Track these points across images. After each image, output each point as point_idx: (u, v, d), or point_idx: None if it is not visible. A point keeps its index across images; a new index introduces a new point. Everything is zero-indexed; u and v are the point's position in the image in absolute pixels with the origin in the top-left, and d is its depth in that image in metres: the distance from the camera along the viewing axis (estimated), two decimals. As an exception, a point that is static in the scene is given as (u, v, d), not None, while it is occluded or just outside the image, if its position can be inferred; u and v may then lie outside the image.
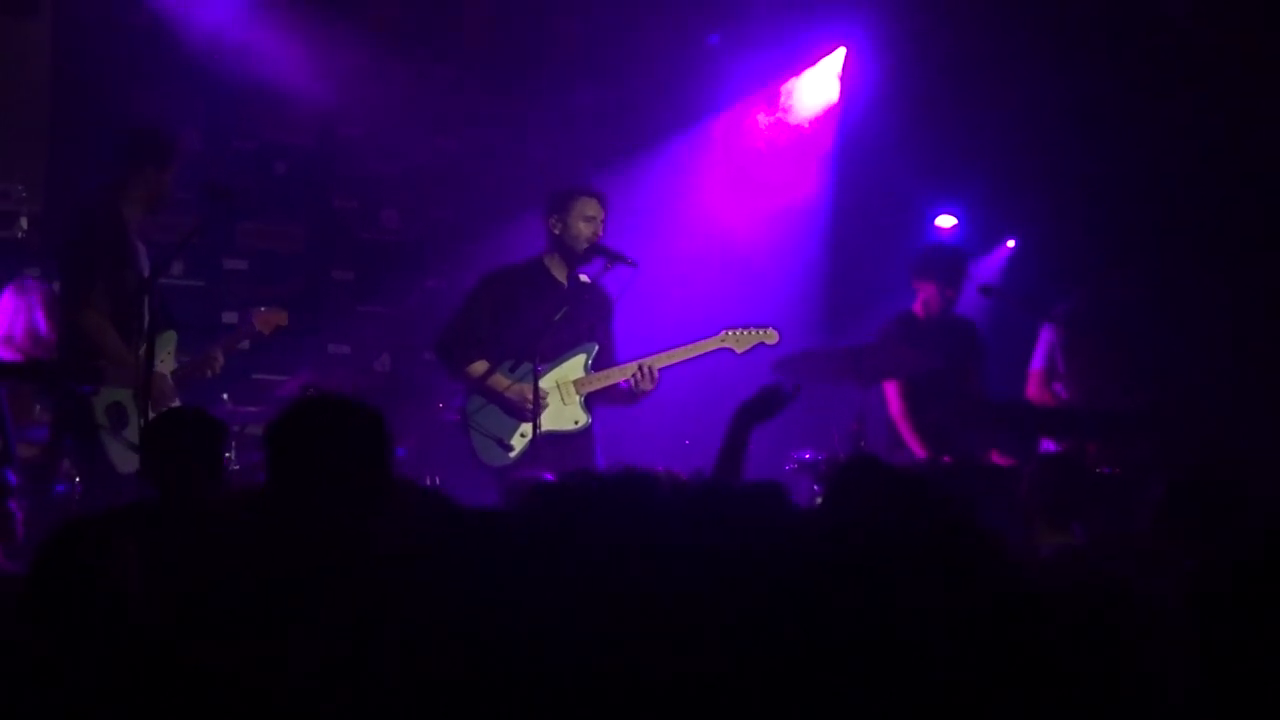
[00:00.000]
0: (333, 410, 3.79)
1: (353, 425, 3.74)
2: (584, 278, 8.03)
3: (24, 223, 9.33)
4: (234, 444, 8.35)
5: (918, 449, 8.58)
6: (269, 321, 8.06)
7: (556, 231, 7.95)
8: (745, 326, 8.09)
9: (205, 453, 5.26)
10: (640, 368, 7.85)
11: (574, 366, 7.93)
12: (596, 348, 8.00)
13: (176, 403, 7.31)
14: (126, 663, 3.29)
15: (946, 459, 8.32)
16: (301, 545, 3.66)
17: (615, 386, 7.95)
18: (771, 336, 8.09)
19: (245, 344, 8.11)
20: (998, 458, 8.57)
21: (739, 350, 8.06)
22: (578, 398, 7.90)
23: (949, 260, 9.14)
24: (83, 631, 3.46)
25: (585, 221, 7.89)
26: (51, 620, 3.50)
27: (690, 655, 1.29)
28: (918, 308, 8.98)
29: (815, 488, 7.97)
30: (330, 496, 3.63)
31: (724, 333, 8.07)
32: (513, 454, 7.74)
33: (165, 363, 7.36)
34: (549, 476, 6.23)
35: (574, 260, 7.96)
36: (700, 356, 8.06)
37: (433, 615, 1.38)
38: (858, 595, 1.38)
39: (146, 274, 7.33)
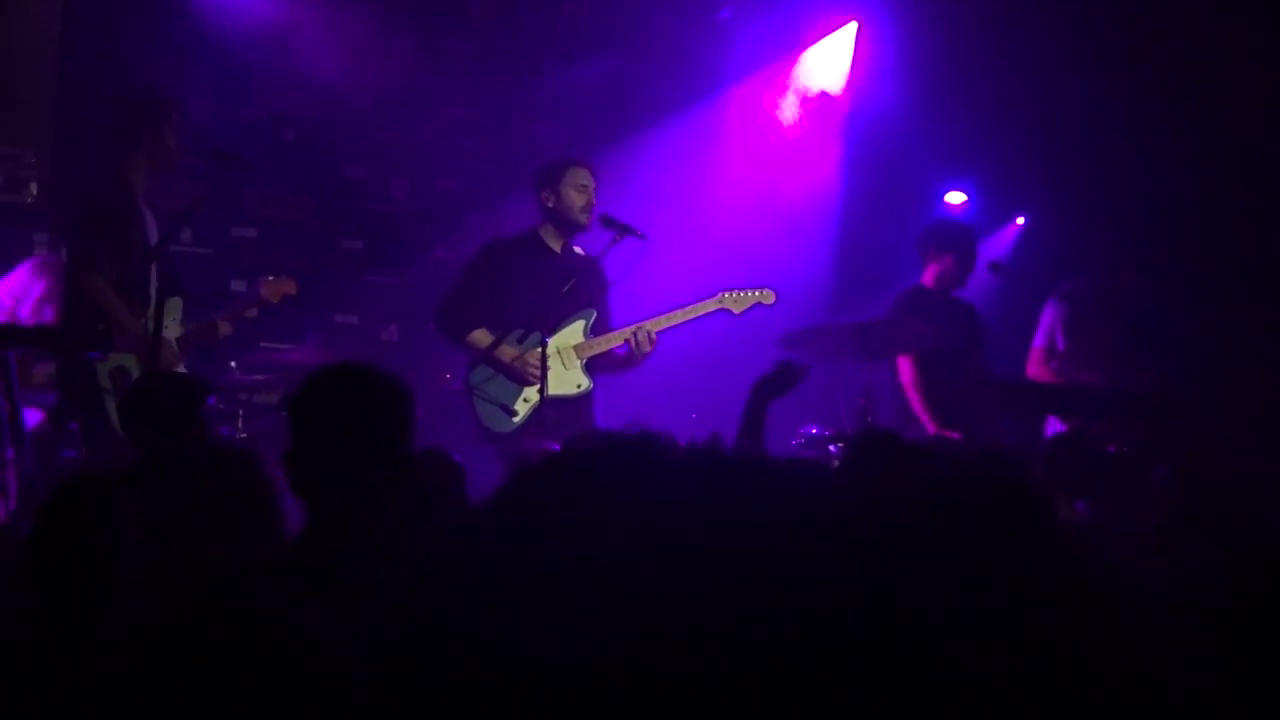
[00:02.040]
0: (359, 379, 3.80)
1: (379, 395, 3.75)
2: (577, 249, 8.06)
3: (33, 188, 9.33)
4: (241, 412, 8.37)
5: (929, 424, 8.56)
6: (277, 290, 8.05)
7: (550, 204, 8.01)
8: (742, 289, 8.09)
9: (180, 414, 5.26)
10: (637, 331, 7.86)
11: (574, 332, 7.98)
12: (595, 313, 8.05)
13: (181, 368, 7.33)
14: (126, 623, 3.30)
15: (956, 435, 8.30)
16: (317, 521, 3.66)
17: (612, 352, 7.98)
18: (768, 296, 8.09)
19: (253, 312, 8.11)
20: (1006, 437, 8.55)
21: (737, 311, 8.07)
22: (579, 362, 7.96)
23: (965, 232, 9.13)
24: (86, 590, 3.47)
25: (577, 191, 7.95)
26: (55, 579, 3.50)
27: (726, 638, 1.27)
28: (928, 282, 8.95)
29: (835, 453, 7.97)
30: (351, 464, 3.63)
31: (721, 295, 8.08)
32: (516, 418, 7.78)
33: (170, 329, 7.37)
34: (555, 447, 6.24)
35: (569, 230, 8.02)
36: (699, 319, 8.06)
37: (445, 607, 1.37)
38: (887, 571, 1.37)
39: (154, 240, 7.36)
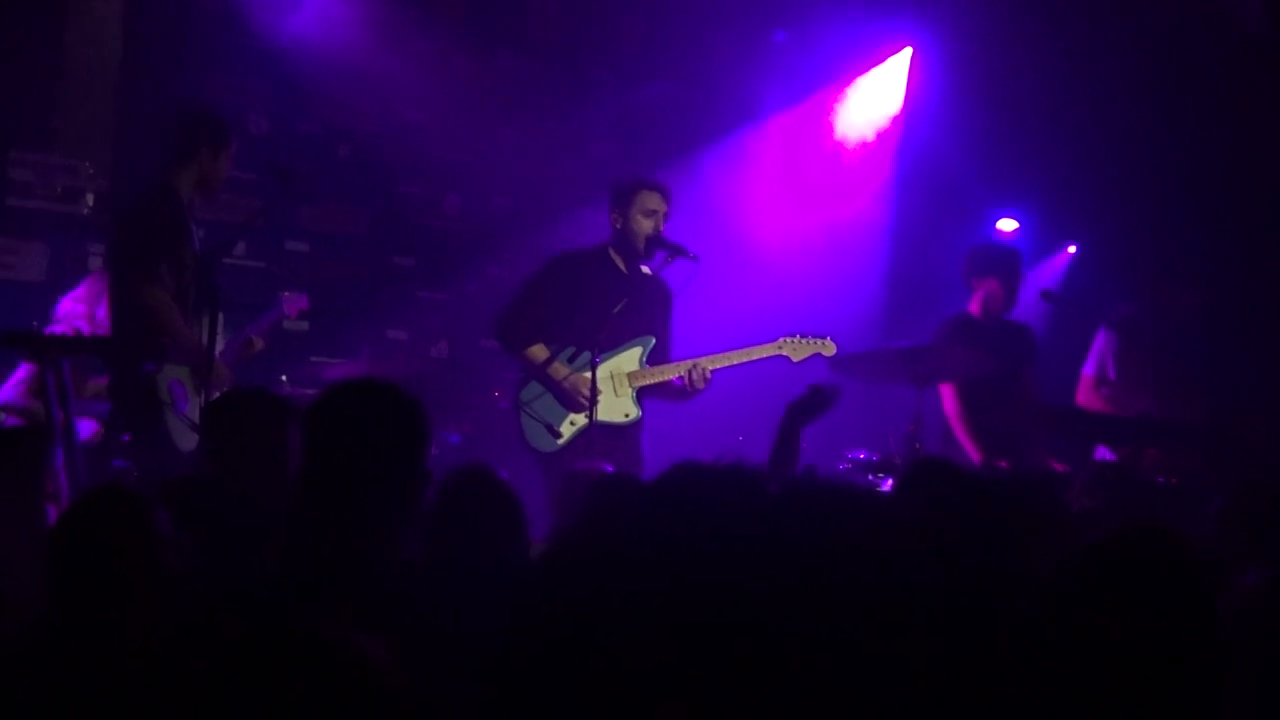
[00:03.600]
0: (371, 395, 3.79)
1: (389, 411, 3.75)
2: (645, 269, 8.01)
3: (90, 199, 9.41)
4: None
5: (974, 452, 8.53)
6: (292, 305, 8.25)
7: (618, 225, 7.93)
8: (803, 335, 8.04)
9: (268, 433, 5.26)
10: (693, 369, 7.82)
11: (629, 358, 7.92)
12: (654, 341, 7.98)
13: (228, 381, 7.36)
14: (152, 633, 3.32)
15: (1002, 463, 8.27)
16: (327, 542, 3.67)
17: (668, 382, 7.92)
18: (829, 348, 8.04)
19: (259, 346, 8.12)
20: (1056, 464, 8.51)
21: (795, 359, 8.02)
22: (630, 390, 7.89)
23: (1010, 255, 9.08)
24: (99, 599, 3.48)
25: (646, 216, 7.85)
26: (69, 587, 3.52)
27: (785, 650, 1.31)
28: (975, 309, 8.93)
29: (875, 481, 7.96)
30: (362, 484, 3.63)
31: (781, 340, 8.03)
32: (560, 441, 7.74)
33: (215, 343, 7.40)
34: (608, 468, 6.23)
35: (634, 254, 7.94)
36: (756, 362, 8.03)
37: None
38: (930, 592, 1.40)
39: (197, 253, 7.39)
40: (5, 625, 3.79)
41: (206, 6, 9.79)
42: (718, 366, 7.87)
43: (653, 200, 7.88)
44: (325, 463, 3.68)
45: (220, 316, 7.50)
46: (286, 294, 8.29)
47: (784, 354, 8.01)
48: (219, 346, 7.44)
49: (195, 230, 7.51)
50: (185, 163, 7.52)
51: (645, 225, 7.85)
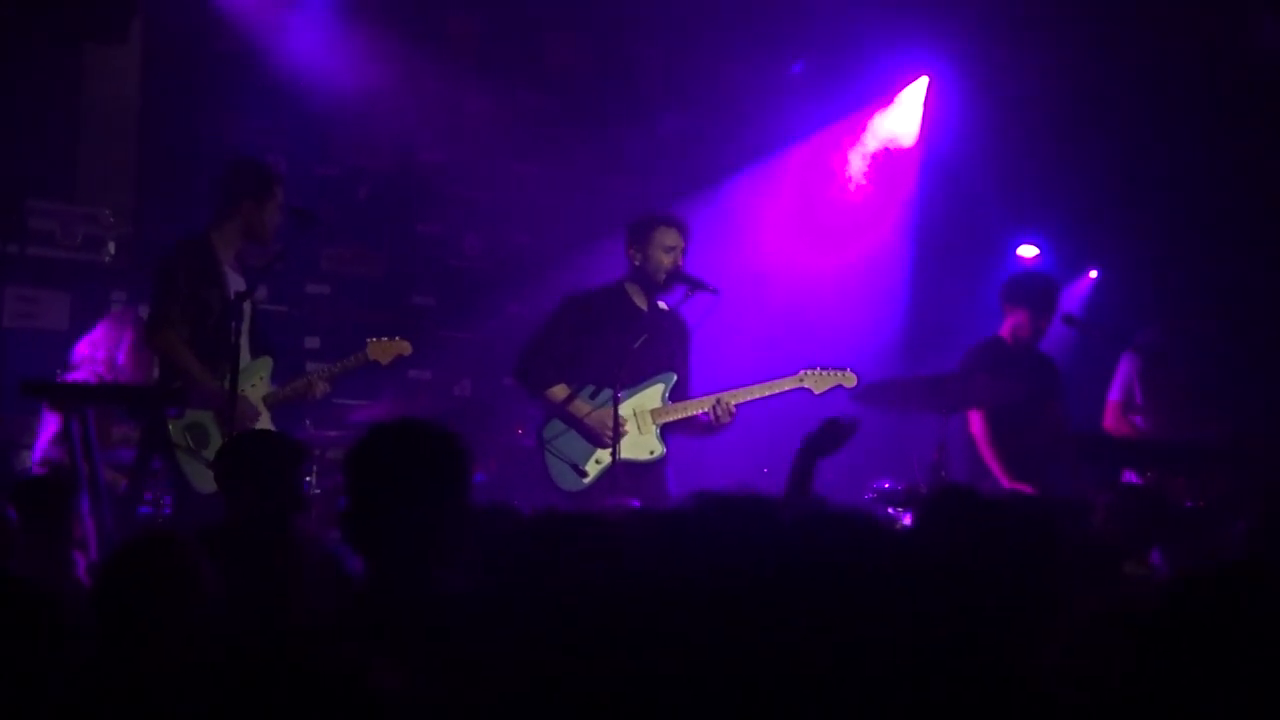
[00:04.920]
0: (414, 434, 3.81)
1: (433, 449, 3.76)
2: (663, 305, 8.00)
3: (111, 247, 9.44)
4: (315, 468, 8.40)
5: (1001, 476, 8.49)
6: (388, 351, 7.86)
7: (637, 262, 7.92)
8: (824, 368, 8.02)
9: (279, 475, 5.27)
10: (717, 404, 7.80)
11: (652, 396, 7.90)
12: (675, 377, 7.97)
13: (265, 424, 7.34)
14: (201, 675, 3.33)
15: (1029, 489, 8.24)
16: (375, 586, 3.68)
17: (694, 418, 7.90)
18: (850, 379, 8.02)
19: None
20: (1083, 489, 8.46)
21: (817, 391, 7.99)
22: (654, 428, 7.86)
23: (1044, 288, 9.03)
24: (149, 638, 3.50)
25: (665, 252, 7.84)
26: (119, 625, 3.54)
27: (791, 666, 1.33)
28: (1005, 334, 8.89)
29: (895, 514, 7.94)
30: (408, 519, 3.65)
31: (802, 373, 8.01)
32: (586, 480, 7.71)
33: (258, 387, 7.37)
34: (635, 503, 6.22)
35: (653, 289, 7.92)
36: (778, 395, 8.00)
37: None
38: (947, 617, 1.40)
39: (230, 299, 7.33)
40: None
41: (223, 51, 9.84)
42: (740, 401, 7.85)
43: (671, 237, 7.87)
44: (367, 504, 3.71)
45: (270, 362, 7.51)
46: (380, 339, 7.90)
47: (805, 386, 7.99)
48: (264, 390, 7.43)
49: (233, 277, 7.45)
50: (229, 217, 7.51)
51: (665, 261, 7.84)
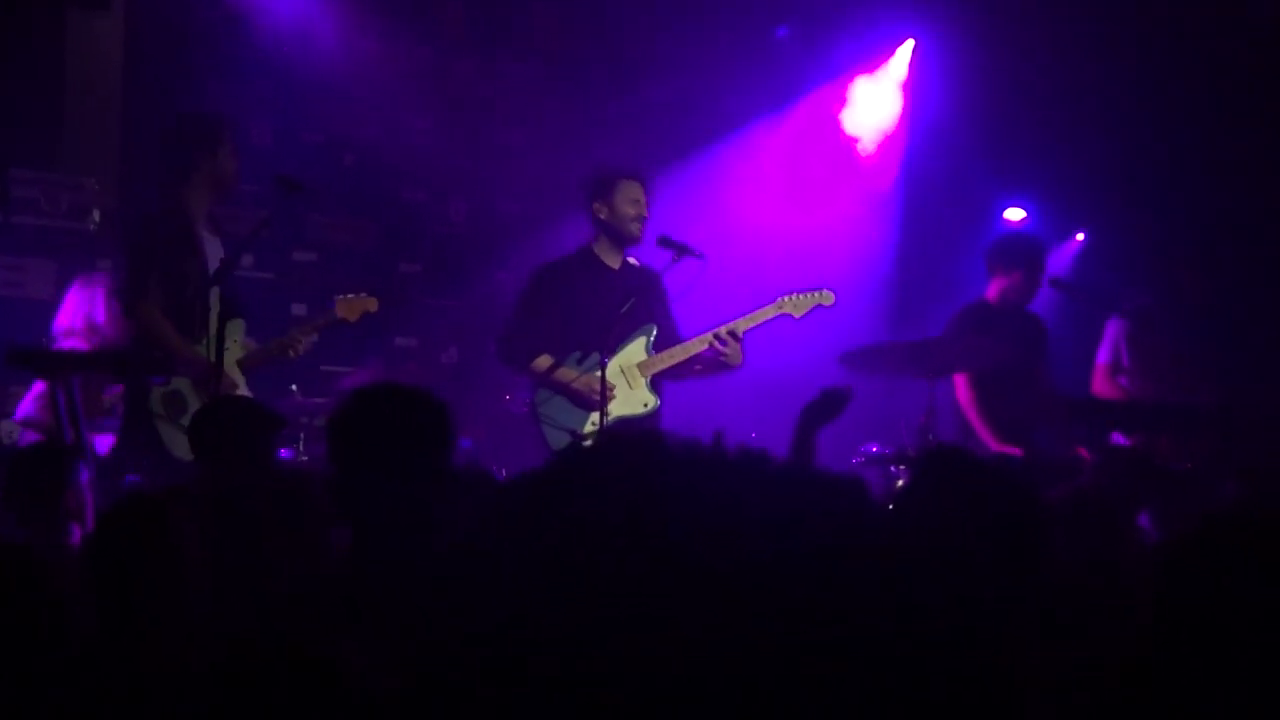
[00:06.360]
0: (396, 399, 3.80)
1: (416, 414, 3.76)
2: (632, 260, 8.00)
3: (96, 215, 9.41)
4: (302, 435, 8.40)
5: (990, 441, 8.50)
6: (356, 308, 7.82)
7: (602, 216, 7.90)
8: (801, 291, 8.04)
9: (248, 440, 5.29)
10: (718, 335, 7.79)
11: (635, 350, 7.88)
12: (655, 328, 7.95)
13: (242, 390, 7.31)
14: (181, 637, 3.32)
15: (1017, 451, 8.25)
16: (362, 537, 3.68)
17: (695, 359, 7.88)
18: (827, 298, 8.04)
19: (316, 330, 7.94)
20: (1072, 450, 8.47)
21: (797, 315, 8.01)
22: (644, 380, 7.86)
23: (1035, 250, 9.01)
24: (142, 600, 3.49)
25: (631, 204, 7.85)
26: (112, 588, 3.53)
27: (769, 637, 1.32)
28: (992, 297, 8.87)
29: (889, 476, 7.97)
30: (393, 485, 3.65)
31: (780, 299, 8.02)
32: (587, 444, 7.69)
33: (232, 350, 7.30)
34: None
35: (623, 243, 7.92)
36: (761, 325, 7.98)
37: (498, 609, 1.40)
38: (936, 587, 1.39)
39: (216, 265, 7.29)
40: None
41: (207, 18, 9.80)
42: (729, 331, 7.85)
43: (634, 190, 7.87)
44: (352, 469, 3.70)
45: (241, 324, 7.47)
46: (346, 296, 7.87)
47: (785, 312, 7.99)
48: (238, 354, 7.40)
49: (210, 242, 7.44)
50: (188, 175, 7.47)
51: (631, 212, 7.84)
